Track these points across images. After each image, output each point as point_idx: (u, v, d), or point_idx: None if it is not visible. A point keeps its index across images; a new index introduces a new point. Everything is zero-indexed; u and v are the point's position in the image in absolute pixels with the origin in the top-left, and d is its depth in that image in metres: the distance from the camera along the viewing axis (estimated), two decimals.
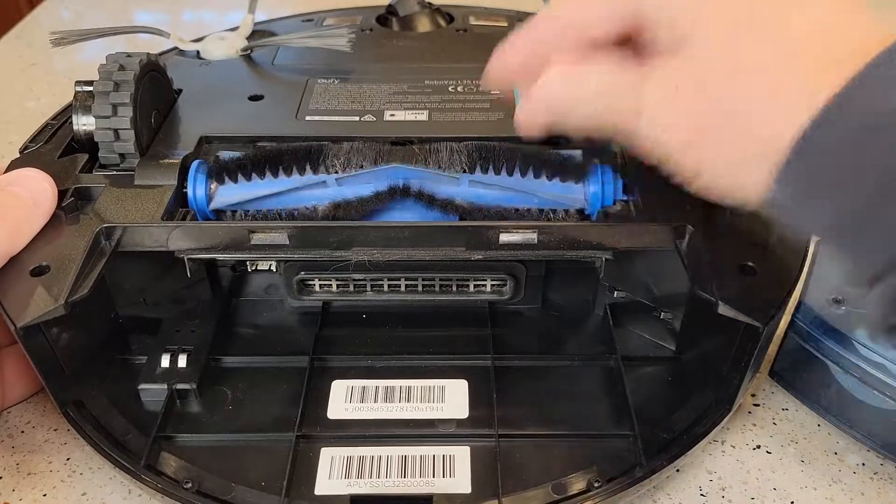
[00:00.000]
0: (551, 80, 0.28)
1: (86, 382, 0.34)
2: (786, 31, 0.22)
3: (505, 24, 0.50)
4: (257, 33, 0.49)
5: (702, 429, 0.32)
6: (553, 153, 0.35)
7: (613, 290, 0.38)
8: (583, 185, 0.34)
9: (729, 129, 0.23)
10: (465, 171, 0.34)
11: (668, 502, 0.32)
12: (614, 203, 0.34)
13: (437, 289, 0.38)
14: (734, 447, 0.35)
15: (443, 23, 0.51)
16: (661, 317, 0.37)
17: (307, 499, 0.30)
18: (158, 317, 0.37)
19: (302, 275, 0.37)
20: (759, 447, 0.35)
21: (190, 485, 0.30)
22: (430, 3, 0.51)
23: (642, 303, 0.37)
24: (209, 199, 0.34)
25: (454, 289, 0.38)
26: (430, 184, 0.34)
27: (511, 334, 0.38)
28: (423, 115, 0.39)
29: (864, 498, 0.32)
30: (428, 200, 0.33)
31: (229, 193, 0.34)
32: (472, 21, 0.51)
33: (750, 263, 0.31)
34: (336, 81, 0.42)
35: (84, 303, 0.29)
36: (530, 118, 0.29)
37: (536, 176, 0.34)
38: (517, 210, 0.34)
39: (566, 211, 0.34)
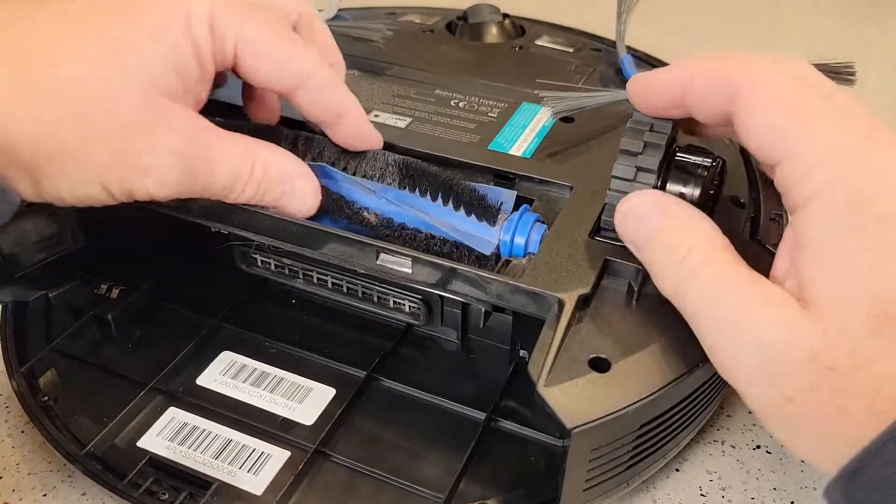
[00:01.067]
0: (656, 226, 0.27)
1: (33, 287, 0.38)
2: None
3: (570, 50, 0.48)
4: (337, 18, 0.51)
5: None
6: (477, 191, 0.33)
7: (519, 347, 0.35)
8: (498, 229, 0.32)
9: (829, 421, 0.22)
10: (389, 185, 0.33)
11: (668, 502, 0.32)
12: (527, 256, 0.31)
13: (359, 294, 0.37)
14: (734, 447, 0.34)
15: (512, 36, 0.49)
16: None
17: (123, 445, 0.32)
18: (128, 249, 0.41)
19: (241, 247, 0.38)
20: (759, 447, 0.34)
21: (46, 398, 0.33)
22: (505, 15, 0.50)
23: None
24: None
25: (374, 299, 0.37)
26: (348, 188, 0.33)
27: (410, 359, 0.36)
28: (402, 123, 0.39)
29: None
30: (338, 207, 0.33)
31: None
32: (539, 41, 0.48)
33: (605, 357, 0.27)
34: (356, 73, 0.43)
35: (33, 214, 0.33)
36: (626, 220, 0.28)
37: (455, 208, 0.33)
38: (429, 237, 0.33)
39: (470, 251, 0.32)
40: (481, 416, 0.33)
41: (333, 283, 0.38)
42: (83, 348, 0.36)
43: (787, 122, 0.23)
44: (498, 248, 0.32)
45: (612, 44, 0.48)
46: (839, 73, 0.40)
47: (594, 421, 0.26)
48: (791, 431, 0.24)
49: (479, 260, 0.32)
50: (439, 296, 0.36)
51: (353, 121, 0.33)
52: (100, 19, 0.27)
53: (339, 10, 0.51)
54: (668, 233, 0.26)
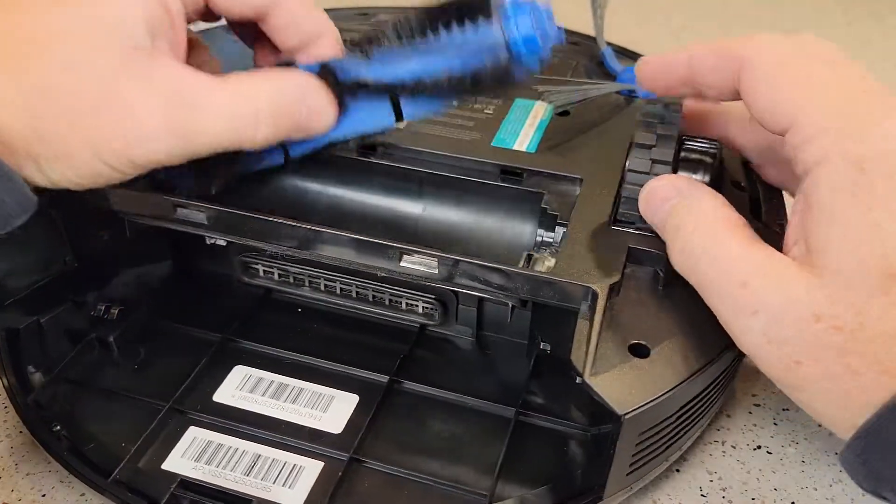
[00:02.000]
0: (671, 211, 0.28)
1: (25, 313, 0.36)
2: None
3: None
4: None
5: None
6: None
7: (540, 341, 0.35)
8: (498, 22, 0.29)
9: (839, 382, 0.22)
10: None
11: (668, 502, 0.32)
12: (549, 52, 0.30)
13: (370, 299, 0.37)
14: (735, 447, 0.34)
15: None
16: (577, 381, 0.33)
17: (149, 470, 0.31)
18: (118, 269, 0.39)
19: (243, 257, 0.38)
20: (759, 447, 0.34)
21: (58, 428, 0.32)
22: None
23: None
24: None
25: (386, 303, 0.37)
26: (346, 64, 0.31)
27: (428, 360, 0.36)
28: (400, 123, 0.38)
29: (865, 499, 0.32)
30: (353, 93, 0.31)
31: None
32: None
33: (644, 343, 0.27)
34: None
35: (25, 237, 0.32)
36: (646, 202, 0.29)
37: (446, 28, 0.29)
38: (444, 79, 0.30)
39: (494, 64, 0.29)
40: (510, 411, 0.33)
41: (342, 289, 0.37)
42: (87, 373, 0.35)
43: (790, 90, 0.24)
44: (509, 45, 0.29)
45: (587, 37, 0.49)
46: None
47: (643, 406, 0.26)
48: (803, 394, 0.24)
49: (497, 72, 0.29)
50: (454, 294, 0.35)
51: (330, 42, 0.31)
52: None
53: None
54: (679, 209, 0.27)
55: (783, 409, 0.36)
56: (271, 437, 0.32)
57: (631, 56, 0.48)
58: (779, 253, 0.24)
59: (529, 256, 0.32)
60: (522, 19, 0.29)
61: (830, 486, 0.32)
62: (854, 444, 0.22)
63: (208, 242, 0.40)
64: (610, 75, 0.45)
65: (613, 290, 0.29)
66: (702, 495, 0.32)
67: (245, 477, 0.30)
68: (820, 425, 0.33)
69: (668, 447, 0.30)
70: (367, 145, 0.37)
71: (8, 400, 0.34)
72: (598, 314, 0.28)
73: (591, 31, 0.47)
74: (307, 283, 0.38)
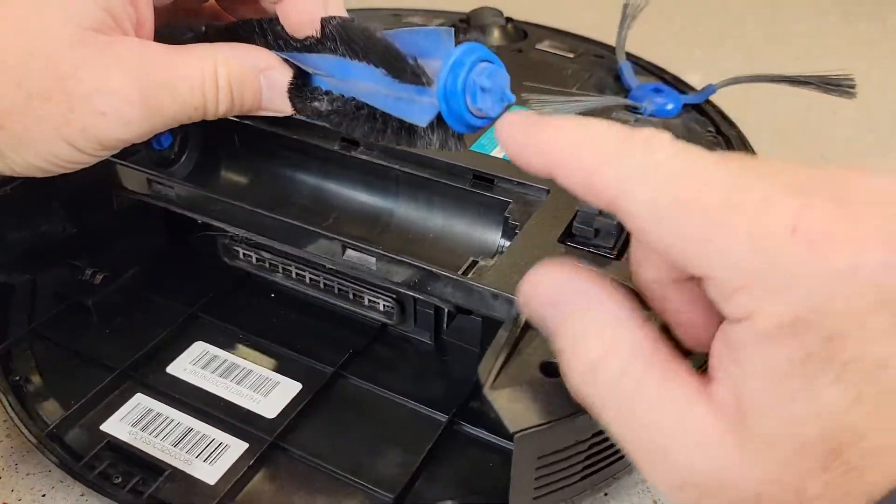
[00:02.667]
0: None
1: (18, 269, 0.39)
2: (862, 480, 0.18)
3: (571, 56, 0.47)
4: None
5: None
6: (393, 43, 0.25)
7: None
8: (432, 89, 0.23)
9: None
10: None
11: (668, 502, 0.31)
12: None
13: (335, 291, 0.37)
14: None
15: (514, 39, 0.49)
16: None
17: (88, 428, 0.32)
18: (113, 239, 0.41)
19: (225, 240, 0.39)
20: None
21: (17, 378, 0.34)
22: (508, 18, 0.49)
23: None
24: None
25: (350, 297, 0.37)
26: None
27: (382, 358, 0.36)
28: None
29: None
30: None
31: None
32: (540, 45, 0.48)
33: (555, 361, 0.26)
34: None
35: (23, 196, 0.34)
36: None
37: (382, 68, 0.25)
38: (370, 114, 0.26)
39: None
40: (443, 417, 0.32)
41: (311, 279, 0.38)
42: (62, 333, 0.37)
43: (686, 244, 0.19)
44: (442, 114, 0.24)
45: (610, 51, 0.47)
46: (839, 86, 0.39)
47: (538, 426, 0.25)
48: None
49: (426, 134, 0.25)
50: (412, 296, 0.35)
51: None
52: None
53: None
54: (577, 324, 0.21)
55: None
56: (208, 412, 0.33)
57: (653, 72, 0.46)
58: (704, 403, 0.19)
59: (474, 262, 0.32)
60: (454, 73, 0.23)
61: None
62: None
63: (199, 221, 0.42)
64: (624, 90, 0.44)
65: None
66: None
67: (172, 448, 0.31)
68: None
69: (587, 476, 0.29)
70: (349, 139, 0.37)
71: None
72: (517, 326, 0.27)
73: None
74: (280, 270, 0.38)
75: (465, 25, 0.50)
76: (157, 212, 0.41)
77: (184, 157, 0.40)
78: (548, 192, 0.33)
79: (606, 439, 0.28)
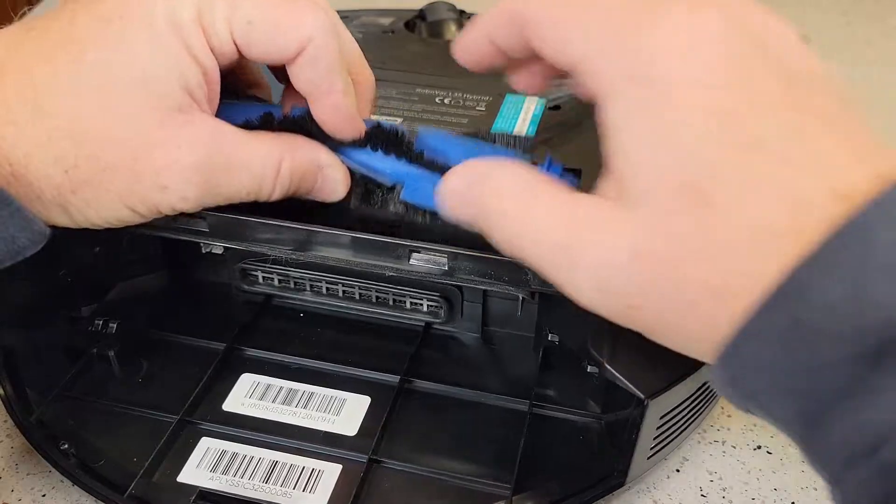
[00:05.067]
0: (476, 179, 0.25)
1: (21, 330, 0.35)
2: (742, 208, 0.19)
3: None
4: None
5: (587, 497, 0.30)
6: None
7: (547, 332, 0.35)
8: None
9: (678, 314, 0.21)
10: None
11: (668, 502, 0.32)
12: None
13: (373, 300, 0.37)
14: (735, 447, 0.34)
15: None
16: (588, 370, 0.34)
17: (165, 483, 0.30)
18: (112, 283, 0.39)
19: (244, 264, 0.37)
20: (759, 447, 0.34)
21: (66, 446, 0.31)
22: (462, 11, 0.50)
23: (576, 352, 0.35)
24: None
25: (390, 303, 0.37)
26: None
27: (436, 358, 0.36)
28: (395, 122, 0.38)
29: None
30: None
31: None
32: None
33: None
34: None
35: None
36: (449, 202, 0.26)
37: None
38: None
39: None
40: (524, 404, 0.33)
41: (345, 292, 0.37)
42: (90, 389, 0.34)
43: (564, 29, 0.23)
44: None
45: None
46: None
47: (665, 389, 0.27)
48: (655, 335, 0.22)
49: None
50: (459, 290, 0.36)
51: (334, 99, 0.29)
52: (84, 43, 0.26)
53: None
54: (482, 197, 0.25)
55: None
56: (286, 442, 0.32)
57: None
58: (591, 197, 0.22)
59: None
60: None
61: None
62: (717, 370, 0.20)
63: (204, 251, 0.40)
64: None
65: None
66: (702, 495, 0.32)
67: (264, 484, 0.30)
68: None
69: (684, 428, 0.31)
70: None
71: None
72: None
73: None
74: (308, 288, 0.37)
75: (420, 21, 0.50)
76: (155, 247, 0.39)
77: None
78: (580, 172, 0.34)
79: (701, 391, 0.30)
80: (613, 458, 0.31)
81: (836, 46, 0.71)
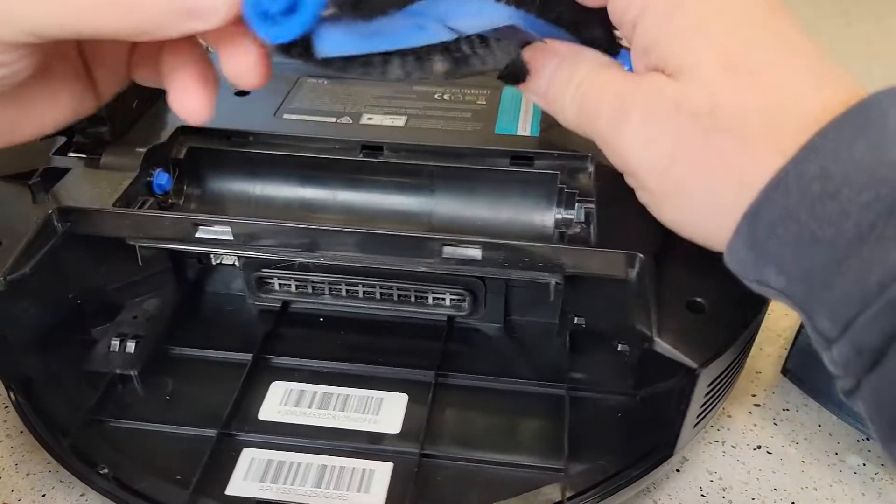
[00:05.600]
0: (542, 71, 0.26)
1: (36, 359, 0.34)
2: (775, 78, 0.22)
3: None
4: None
5: (637, 472, 0.30)
6: None
7: (573, 317, 0.36)
8: None
9: (710, 170, 0.23)
10: None
11: (668, 502, 0.32)
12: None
13: (395, 298, 0.37)
14: (735, 447, 0.34)
15: None
16: (619, 349, 0.35)
17: (214, 497, 0.30)
18: (122, 302, 0.38)
19: (261, 272, 0.37)
20: (759, 447, 0.34)
21: (106, 470, 0.30)
22: None
23: (605, 333, 0.35)
24: None
25: (412, 300, 0.37)
26: None
27: (464, 351, 0.36)
28: (400, 121, 0.38)
29: (865, 498, 0.32)
30: None
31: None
32: None
33: (699, 300, 0.29)
34: (325, 81, 0.42)
35: (33, 281, 0.30)
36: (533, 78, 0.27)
37: None
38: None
39: None
40: (561, 388, 0.34)
41: (365, 292, 0.37)
42: (118, 411, 0.33)
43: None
44: None
45: None
46: None
47: (714, 358, 0.27)
48: (682, 197, 0.24)
49: None
50: (482, 282, 0.36)
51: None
52: None
53: None
54: (566, 68, 0.26)
55: (783, 409, 0.36)
56: (331, 446, 0.32)
57: None
58: (647, 73, 0.24)
59: (562, 234, 0.33)
60: None
61: (830, 486, 0.33)
62: (741, 231, 0.22)
63: (214, 262, 0.39)
64: None
65: (659, 253, 0.30)
66: (702, 495, 0.33)
67: (318, 489, 0.30)
68: (820, 425, 0.35)
69: (721, 398, 0.32)
70: (371, 146, 0.37)
71: (8, 400, 0.34)
72: (649, 279, 0.29)
73: None
74: (327, 291, 0.37)
75: None
76: (163, 263, 0.38)
77: (182, 197, 0.38)
78: (590, 157, 0.35)
79: (740, 356, 0.31)
80: (657, 431, 0.31)
81: (836, 46, 0.71)
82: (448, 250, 0.31)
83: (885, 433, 0.21)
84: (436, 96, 0.41)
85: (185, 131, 0.38)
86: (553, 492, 0.29)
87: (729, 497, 0.32)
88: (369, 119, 0.39)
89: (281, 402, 0.34)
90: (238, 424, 0.32)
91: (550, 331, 0.37)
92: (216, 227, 0.32)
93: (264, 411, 0.33)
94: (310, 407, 0.33)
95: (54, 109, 0.25)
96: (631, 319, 0.29)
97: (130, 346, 0.35)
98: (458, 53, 0.24)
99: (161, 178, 0.36)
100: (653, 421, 0.32)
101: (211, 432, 0.32)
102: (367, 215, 0.37)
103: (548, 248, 0.31)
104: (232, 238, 0.32)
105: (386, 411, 0.33)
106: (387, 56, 0.23)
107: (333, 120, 0.39)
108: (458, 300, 0.36)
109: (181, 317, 0.38)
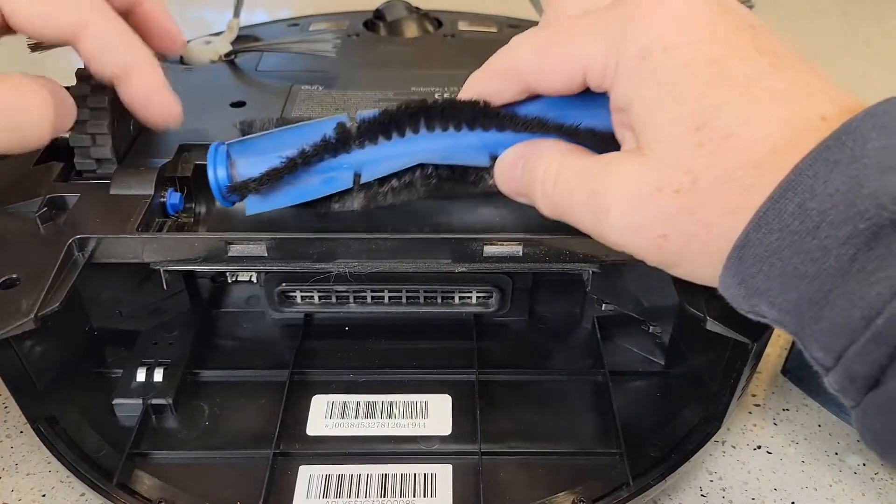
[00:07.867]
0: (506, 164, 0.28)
1: (59, 397, 0.33)
2: (747, 133, 0.22)
3: (494, 30, 0.50)
4: (242, 38, 0.48)
5: (691, 446, 0.32)
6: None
7: (601, 303, 0.37)
8: None
9: (702, 238, 0.23)
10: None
11: (668, 502, 0.32)
12: None
13: (421, 300, 0.37)
14: (735, 447, 0.35)
15: (431, 28, 0.50)
16: (650, 331, 0.36)
17: None
18: (136, 329, 0.36)
19: (283, 286, 0.36)
20: (759, 447, 0.35)
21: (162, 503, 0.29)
22: (417, 9, 0.50)
23: (631, 316, 0.36)
24: (230, 178, 0.31)
25: (439, 300, 0.37)
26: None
27: (497, 347, 0.37)
28: None
29: (865, 499, 0.32)
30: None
31: (251, 168, 0.31)
32: (461, 27, 0.50)
33: None
34: (320, 88, 0.42)
35: (56, 316, 0.29)
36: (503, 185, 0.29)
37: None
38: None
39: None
40: (600, 374, 0.35)
41: (391, 297, 0.37)
42: (160, 442, 0.32)
43: (566, 65, 0.26)
44: None
45: (523, 21, 0.51)
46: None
47: (764, 331, 0.29)
48: (682, 266, 0.25)
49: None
50: (510, 278, 0.36)
51: (147, 71, 0.31)
52: None
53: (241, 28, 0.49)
54: (528, 166, 0.28)
55: (783, 409, 0.36)
56: (383, 454, 0.32)
57: None
58: (615, 153, 0.25)
59: None
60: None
61: (830, 486, 0.33)
62: (728, 269, 0.23)
63: (230, 280, 0.38)
64: None
65: None
66: (702, 495, 0.33)
67: (384, 499, 0.30)
68: (820, 425, 0.36)
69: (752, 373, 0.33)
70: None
71: (7, 399, 0.34)
72: None
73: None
74: (352, 300, 0.37)
75: (379, 21, 0.50)
76: (175, 282, 0.37)
77: (192, 216, 0.36)
78: None
79: None
80: (697, 406, 0.33)
81: (836, 46, 0.72)
82: (489, 249, 0.32)
83: (884, 447, 0.22)
84: (436, 95, 0.41)
85: (188, 148, 0.36)
86: (619, 475, 0.30)
87: (729, 497, 0.32)
88: None
89: (326, 415, 0.33)
90: (289, 443, 0.32)
91: (575, 319, 0.38)
92: (250, 245, 0.31)
93: (311, 426, 0.33)
94: (356, 417, 0.33)
95: None
96: (679, 300, 0.29)
97: (158, 374, 0.34)
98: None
99: (173, 198, 0.34)
100: (691, 396, 0.33)
101: (265, 453, 0.31)
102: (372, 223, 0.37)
103: (588, 239, 0.31)
104: (266, 254, 0.31)
105: (433, 414, 0.33)
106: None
107: None
108: (485, 297, 0.37)
109: (202, 338, 0.37)
